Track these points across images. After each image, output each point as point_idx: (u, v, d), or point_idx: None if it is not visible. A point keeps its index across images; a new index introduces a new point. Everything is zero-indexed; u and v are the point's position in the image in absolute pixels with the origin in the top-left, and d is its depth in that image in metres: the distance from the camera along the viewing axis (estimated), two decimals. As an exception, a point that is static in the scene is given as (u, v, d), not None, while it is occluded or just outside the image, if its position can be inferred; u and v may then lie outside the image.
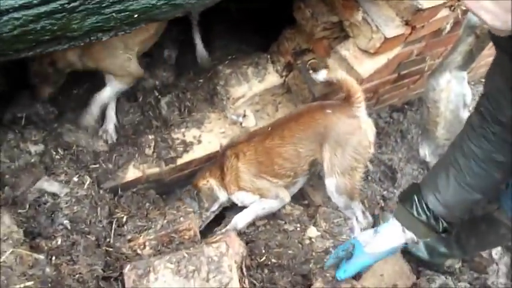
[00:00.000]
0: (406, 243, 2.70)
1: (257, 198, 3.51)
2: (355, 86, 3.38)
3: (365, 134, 3.42)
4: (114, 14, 2.32)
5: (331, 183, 3.44)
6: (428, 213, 2.50)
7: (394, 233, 2.67)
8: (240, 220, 3.49)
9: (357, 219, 3.64)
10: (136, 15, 2.39)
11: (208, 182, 3.57)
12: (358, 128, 3.39)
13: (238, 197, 3.57)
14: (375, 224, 3.80)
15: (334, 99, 3.79)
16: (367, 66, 3.56)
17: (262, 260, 3.26)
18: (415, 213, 2.54)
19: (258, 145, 3.44)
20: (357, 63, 3.55)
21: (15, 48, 2.25)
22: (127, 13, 2.35)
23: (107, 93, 3.57)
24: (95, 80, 3.65)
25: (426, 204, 2.51)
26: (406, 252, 3.63)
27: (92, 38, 2.40)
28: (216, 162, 3.65)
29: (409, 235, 2.61)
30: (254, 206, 3.52)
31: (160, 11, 2.44)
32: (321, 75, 3.45)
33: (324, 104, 3.52)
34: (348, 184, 3.42)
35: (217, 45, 4.39)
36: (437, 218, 2.50)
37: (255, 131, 3.68)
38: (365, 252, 2.76)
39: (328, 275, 3.08)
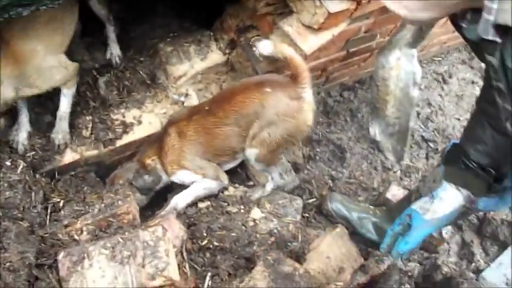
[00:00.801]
0: (465, 205, 2.62)
1: (199, 177, 3.43)
2: (302, 64, 3.23)
3: (305, 117, 3.31)
4: (31, -14, 2.21)
5: (251, 153, 3.38)
6: (475, 166, 2.47)
7: (451, 195, 2.60)
8: (179, 200, 3.42)
9: (272, 178, 3.64)
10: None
11: (153, 161, 3.49)
12: (298, 111, 3.26)
13: (179, 177, 3.49)
14: (321, 205, 3.76)
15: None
16: (311, 43, 3.48)
17: (204, 243, 3.17)
18: (463, 169, 2.51)
19: (198, 125, 3.36)
20: (300, 40, 3.46)
21: None
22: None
23: (65, 104, 3.44)
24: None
25: (470, 159, 2.48)
26: (354, 233, 3.59)
27: (11, 13, 2.28)
28: (156, 140, 3.55)
29: (465, 193, 2.55)
30: (195, 185, 3.45)
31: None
32: (266, 48, 3.24)
33: (264, 80, 3.37)
34: (269, 156, 3.38)
35: (158, 22, 4.30)
36: (485, 169, 2.47)
37: (195, 106, 3.60)
38: (426, 220, 2.65)
39: (269, 258, 3.00)
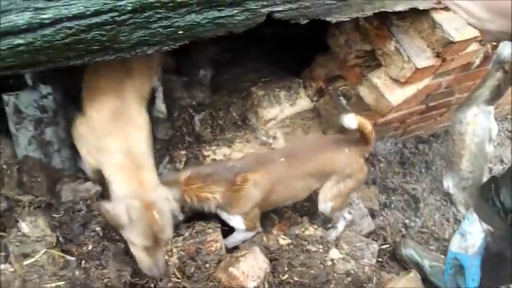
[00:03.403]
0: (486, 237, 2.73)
1: (244, 228, 3.47)
2: (373, 135, 3.50)
3: (365, 171, 3.69)
4: (160, 29, 2.42)
5: (327, 206, 3.61)
6: (499, 205, 2.55)
7: (476, 228, 2.70)
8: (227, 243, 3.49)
9: (344, 218, 3.86)
10: (181, 32, 2.48)
11: (214, 198, 3.31)
12: (363, 167, 3.62)
13: (231, 218, 3.44)
14: (395, 250, 3.86)
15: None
16: (397, 95, 3.64)
17: (284, 277, 3.29)
18: (490, 203, 2.59)
19: (274, 176, 3.40)
20: (387, 92, 3.63)
21: (66, 56, 2.35)
22: (172, 29, 2.45)
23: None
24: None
25: (499, 196, 2.56)
26: (425, 280, 3.66)
27: (137, 50, 2.50)
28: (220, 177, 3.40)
29: (486, 227, 2.65)
30: (236, 235, 3.52)
31: (204, 29, 2.53)
32: (351, 122, 3.40)
33: (341, 140, 3.63)
34: (342, 206, 3.66)
35: (251, 67, 4.48)
36: (508, 211, 2.54)
37: (264, 156, 3.62)
38: (471, 257, 2.80)
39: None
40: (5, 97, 3.23)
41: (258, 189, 3.35)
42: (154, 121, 3.79)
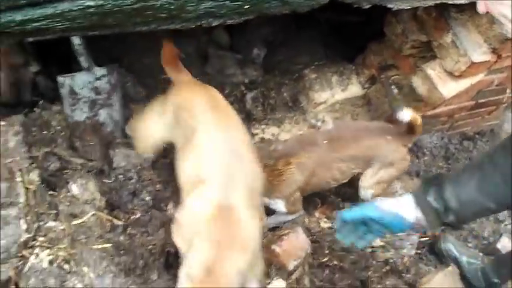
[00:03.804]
0: (413, 226, 2.53)
1: (285, 211, 3.51)
2: (421, 127, 3.52)
3: (407, 160, 3.66)
4: (227, 2, 2.45)
5: (367, 193, 3.63)
6: (441, 202, 2.41)
7: (408, 205, 2.62)
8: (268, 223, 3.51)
9: None
10: (247, 6, 2.51)
11: None
12: (406, 155, 3.61)
13: (273, 203, 3.48)
14: (435, 244, 3.86)
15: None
16: (450, 88, 3.64)
17: (324, 260, 3.34)
18: (431, 198, 2.44)
19: (317, 158, 3.42)
20: (440, 84, 3.62)
21: (133, 21, 2.40)
22: (239, 3, 2.48)
23: None
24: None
25: (443, 194, 2.43)
26: (461, 276, 3.65)
27: (203, 21, 2.53)
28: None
29: (419, 215, 2.55)
30: (277, 217, 3.57)
31: (269, 5, 2.55)
32: (406, 116, 3.46)
33: (386, 128, 3.62)
34: (382, 193, 3.62)
35: (304, 49, 4.50)
36: (449, 210, 2.39)
37: (306, 138, 3.64)
38: (374, 203, 2.70)
39: (388, 283, 3.15)
40: (60, 79, 3.32)
41: (300, 174, 3.37)
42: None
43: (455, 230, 2.57)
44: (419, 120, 3.45)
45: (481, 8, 1.81)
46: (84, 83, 3.35)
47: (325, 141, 3.45)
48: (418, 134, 3.58)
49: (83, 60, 3.29)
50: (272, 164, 3.34)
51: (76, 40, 3.14)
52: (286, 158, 3.35)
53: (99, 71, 3.38)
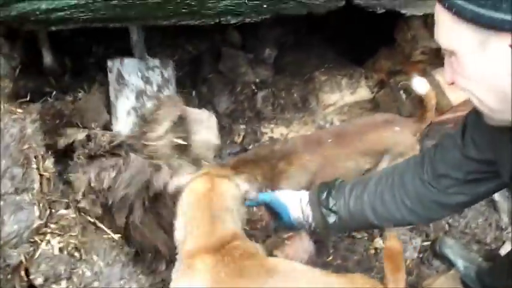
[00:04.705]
0: (296, 221, 2.60)
1: None
2: (433, 107, 3.40)
3: (418, 148, 3.50)
4: (246, 0, 2.50)
5: None
6: (331, 205, 2.49)
7: (298, 200, 2.61)
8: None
9: None
10: (265, 6, 2.56)
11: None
12: (416, 145, 3.47)
13: None
14: (432, 246, 3.88)
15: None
16: (458, 95, 3.67)
17: (329, 259, 3.40)
18: (322, 197, 2.53)
19: (320, 157, 3.37)
20: (449, 90, 3.67)
21: (154, 15, 2.45)
22: (258, 2, 2.53)
23: None
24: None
25: (336, 201, 2.51)
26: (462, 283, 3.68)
27: (222, 19, 2.58)
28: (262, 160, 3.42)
29: (307, 212, 2.56)
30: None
31: (287, 5, 2.60)
32: (421, 85, 3.36)
33: (391, 119, 3.52)
34: None
35: (314, 52, 4.55)
36: (336, 215, 2.49)
37: (309, 137, 3.60)
38: (269, 191, 2.73)
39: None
40: (110, 63, 3.20)
41: (302, 175, 3.36)
42: (216, 94, 3.90)
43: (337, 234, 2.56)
44: (433, 99, 3.36)
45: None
46: (134, 69, 3.22)
47: (329, 140, 3.41)
48: (428, 119, 3.43)
49: (136, 47, 3.21)
50: (273, 163, 3.32)
51: (133, 29, 3.09)
52: (289, 158, 3.33)
53: (152, 62, 3.28)
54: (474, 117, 2.05)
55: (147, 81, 3.25)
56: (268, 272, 2.19)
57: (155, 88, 3.27)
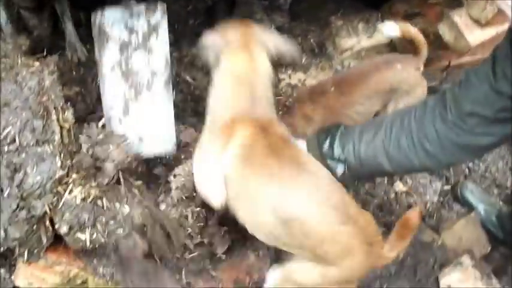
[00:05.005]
0: None
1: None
2: (423, 40, 3.38)
3: (424, 83, 3.44)
4: None
5: None
6: (337, 154, 2.48)
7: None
8: None
9: None
10: None
11: None
12: (421, 79, 3.42)
13: None
14: (453, 190, 3.88)
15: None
16: (476, 36, 3.64)
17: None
18: (325, 148, 2.51)
19: (324, 107, 3.36)
20: (467, 31, 3.63)
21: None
22: None
23: None
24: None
25: (343, 148, 2.48)
26: (483, 226, 3.68)
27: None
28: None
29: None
30: None
31: None
32: (391, 30, 3.38)
33: (391, 58, 3.47)
34: None
35: (329, -4, 4.52)
36: (344, 162, 2.47)
37: (315, 87, 3.57)
38: None
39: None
40: (93, 16, 2.98)
41: (306, 125, 3.36)
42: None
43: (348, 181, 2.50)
44: (417, 34, 3.36)
45: None
46: (116, 20, 2.93)
47: (332, 88, 3.39)
48: (424, 50, 3.39)
49: (126, -2, 2.98)
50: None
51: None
52: (294, 108, 3.40)
53: (137, 9, 2.96)
54: (505, 49, 1.98)
55: (131, 31, 2.98)
56: (299, 165, 2.26)
57: (140, 38, 2.99)
